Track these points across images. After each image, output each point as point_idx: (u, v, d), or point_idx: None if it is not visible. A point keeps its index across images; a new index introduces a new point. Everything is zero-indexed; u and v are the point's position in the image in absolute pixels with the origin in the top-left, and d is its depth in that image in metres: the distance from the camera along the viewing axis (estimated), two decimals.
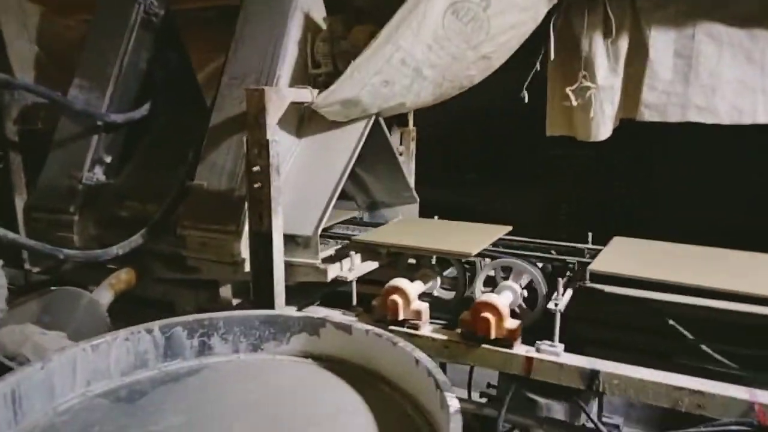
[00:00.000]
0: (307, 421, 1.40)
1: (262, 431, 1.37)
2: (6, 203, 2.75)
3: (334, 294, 2.36)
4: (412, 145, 3.10)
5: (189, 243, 2.32)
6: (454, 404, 1.22)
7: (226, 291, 2.38)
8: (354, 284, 2.19)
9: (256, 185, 2.05)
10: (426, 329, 2.04)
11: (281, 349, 1.76)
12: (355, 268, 2.21)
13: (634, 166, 3.61)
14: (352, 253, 2.21)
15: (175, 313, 2.65)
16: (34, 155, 2.82)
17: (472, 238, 2.27)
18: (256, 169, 2.05)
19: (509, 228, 2.46)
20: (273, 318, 1.76)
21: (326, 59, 2.44)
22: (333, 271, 2.17)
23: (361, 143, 2.37)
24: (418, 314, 2.04)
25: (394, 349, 1.54)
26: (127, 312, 2.46)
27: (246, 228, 2.18)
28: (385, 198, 2.96)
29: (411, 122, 3.09)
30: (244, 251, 2.26)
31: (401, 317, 2.03)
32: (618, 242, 2.26)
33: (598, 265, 2.00)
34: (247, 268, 2.26)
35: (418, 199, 2.95)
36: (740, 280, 1.85)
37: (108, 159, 2.77)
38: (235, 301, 2.37)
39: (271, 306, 2.13)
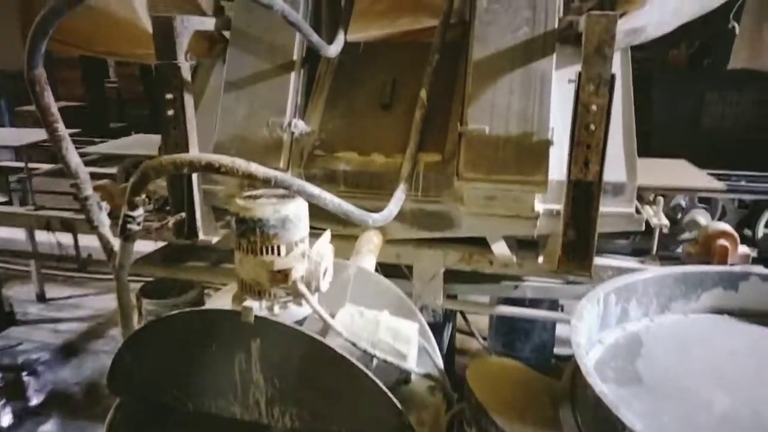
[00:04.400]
0: None
1: None
2: None
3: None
4: None
5: (470, 197, 2.03)
6: None
7: (500, 248, 2.13)
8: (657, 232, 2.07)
9: (590, 128, 1.82)
10: None
11: (690, 306, 1.63)
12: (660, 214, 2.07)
13: None
14: (659, 198, 2.07)
15: (416, 278, 2.36)
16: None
17: None
18: (593, 108, 1.80)
19: None
20: (687, 275, 1.61)
21: None
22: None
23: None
24: (745, 258, 1.97)
25: None
26: None
27: (550, 177, 1.95)
28: None
29: None
30: (538, 204, 2.03)
31: (730, 263, 1.96)
32: None
33: None
34: (540, 222, 2.04)
35: None
36: None
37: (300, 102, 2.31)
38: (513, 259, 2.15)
39: (588, 261, 1.96)
